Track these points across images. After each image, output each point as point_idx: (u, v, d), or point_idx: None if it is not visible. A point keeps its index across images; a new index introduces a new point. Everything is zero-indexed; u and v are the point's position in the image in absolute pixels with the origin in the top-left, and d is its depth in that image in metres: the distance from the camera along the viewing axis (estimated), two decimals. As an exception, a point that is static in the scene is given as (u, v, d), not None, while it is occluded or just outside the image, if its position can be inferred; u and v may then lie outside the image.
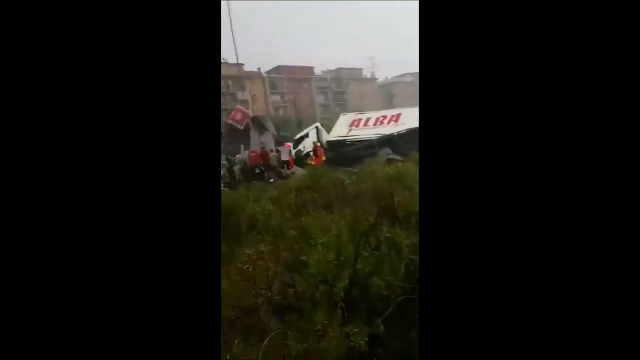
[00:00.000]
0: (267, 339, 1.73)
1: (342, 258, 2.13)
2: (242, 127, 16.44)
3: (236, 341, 1.67)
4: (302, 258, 2.21)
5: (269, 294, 1.85)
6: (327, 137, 14.27)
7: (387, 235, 2.22)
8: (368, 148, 11.64)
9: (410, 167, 5.91)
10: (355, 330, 1.71)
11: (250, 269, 1.85)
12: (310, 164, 10.44)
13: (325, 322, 1.71)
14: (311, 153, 11.97)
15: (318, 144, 12.63)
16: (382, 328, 1.83)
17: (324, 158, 11.57)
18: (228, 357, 1.60)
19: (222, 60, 33.40)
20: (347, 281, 1.97)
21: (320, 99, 42.87)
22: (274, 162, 11.53)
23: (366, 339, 1.70)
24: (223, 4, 16.32)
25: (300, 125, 23.81)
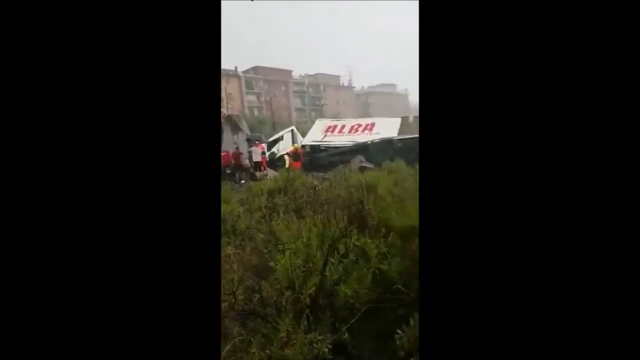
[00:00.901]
0: (229, 345, 1.68)
1: (310, 265, 2.12)
2: (215, 125, 16.07)
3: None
4: (270, 264, 2.18)
5: (233, 299, 1.80)
6: (301, 141, 14.28)
7: (357, 243, 2.24)
8: (342, 155, 11.79)
9: (382, 176, 6.03)
10: (320, 337, 1.70)
11: (215, 273, 1.80)
12: (284, 167, 10.39)
13: (290, 329, 1.69)
14: (287, 155, 11.91)
15: (300, 147, 12.56)
16: (346, 336, 1.83)
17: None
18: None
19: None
20: (313, 288, 1.97)
21: (296, 102, 42.99)
22: (246, 163, 11.34)
23: (330, 346, 1.70)
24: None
25: (275, 128, 23.71)
